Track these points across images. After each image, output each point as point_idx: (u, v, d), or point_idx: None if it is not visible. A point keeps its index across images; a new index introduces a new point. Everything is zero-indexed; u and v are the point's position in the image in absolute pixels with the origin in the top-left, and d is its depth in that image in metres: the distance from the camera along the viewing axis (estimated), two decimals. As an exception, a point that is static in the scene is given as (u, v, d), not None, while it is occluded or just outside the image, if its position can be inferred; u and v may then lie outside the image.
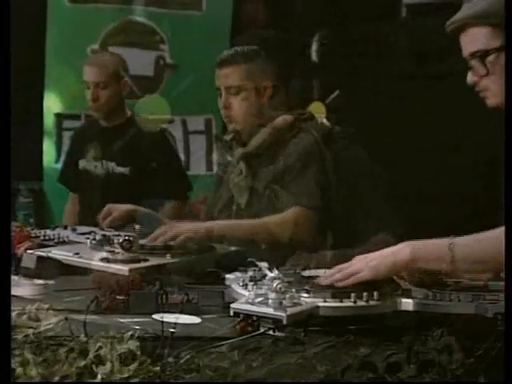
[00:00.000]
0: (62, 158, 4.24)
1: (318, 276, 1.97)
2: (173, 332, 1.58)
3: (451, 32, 2.14)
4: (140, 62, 4.57)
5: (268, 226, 2.74)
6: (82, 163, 3.86)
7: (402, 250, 1.90)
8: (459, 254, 1.84)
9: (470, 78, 2.11)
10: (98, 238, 2.47)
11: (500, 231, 1.86)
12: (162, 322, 1.61)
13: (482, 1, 2.10)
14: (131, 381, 1.46)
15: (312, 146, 2.86)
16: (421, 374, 1.43)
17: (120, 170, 3.75)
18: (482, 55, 2.06)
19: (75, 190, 3.99)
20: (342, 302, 1.76)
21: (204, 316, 1.84)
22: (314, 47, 4.26)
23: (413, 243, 1.93)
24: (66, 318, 1.69)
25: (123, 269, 2.18)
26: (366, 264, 1.90)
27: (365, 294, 1.77)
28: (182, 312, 1.74)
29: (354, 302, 1.76)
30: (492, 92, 2.10)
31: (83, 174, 3.86)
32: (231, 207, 2.98)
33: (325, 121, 3.09)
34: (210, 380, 1.42)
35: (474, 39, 2.08)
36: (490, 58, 2.06)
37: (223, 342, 1.59)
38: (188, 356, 1.51)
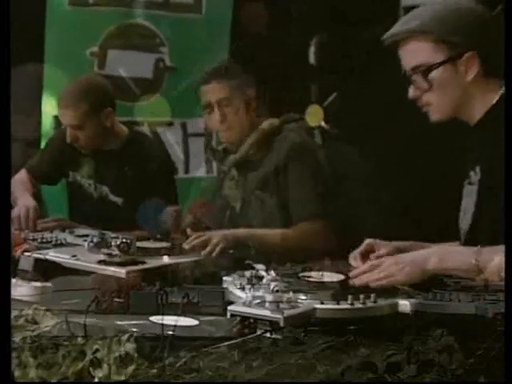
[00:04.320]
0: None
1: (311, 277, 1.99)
2: (172, 335, 1.58)
3: (389, 46, 2.11)
4: (139, 64, 4.57)
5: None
6: (73, 175, 3.57)
7: (432, 258, 1.91)
8: (485, 264, 1.84)
9: (412, 92, 2.09)
10: (95, 240, 2.47)
11: None
12: (163, 324, 1.61)
13: (422, 15, 2.07)
14: (131, 381, 1.46)
15: (301, 144, 2.89)
16: (421, 374, 1.43)
17: (113, 198, 3.45)
18: (424, 70, 2.04)
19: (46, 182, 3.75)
20: (338, 303, 1.76)
21: (202, 318, 1.84)
22: (312, 50, 4.26)
23: (439, 251, 1.96)
24: (67, 320, 1.68)
25: (120, 271, 2.18)
26: (399, 269, 1.90)
27: (361, 296, 1.77)
28: (182, 313, 1.74)
29: (351, 304, 1.76)
30: (435, 107, 2.08)
31: (75, 188, 3.57)
32: (225, 212, 3.00)
33: (323, 123, 3.09)
34: (210, 380, 1.42)
35: (416, 54, 2.06)
36: (433, 73, 2.04)
37: (220, 344, 1.59)
38: (185, 359, 1.50)
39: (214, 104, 2.95)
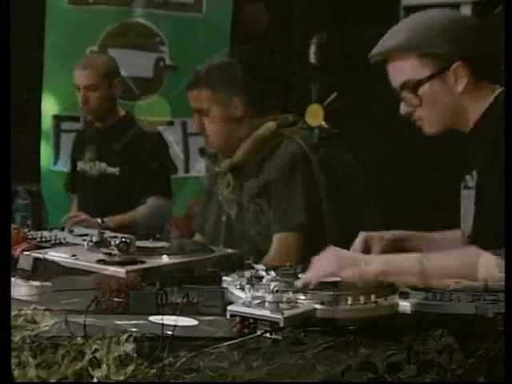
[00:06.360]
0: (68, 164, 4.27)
1: None
2: (171, 335, 1.58)
3: (375, 63, 2.10)
4: (139, 63, 4.57)
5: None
6: (79, 165, 3.94)
7: (374, 262, 1.89)
8: (429, 268, 1.84)
9: (404, 108, 2.08)
10: (95, 239, 2.47)
11: (472, 248, 1.88)
12: (162, 325, 1.60)
13: (404, 31, 2.05)
14: (130, 381, 1.45)
15: (297, 156, 2.83)
16: (421, 374, 1.42)
17: (110, 170, 3.81)
18: (413, 86, 2.02)
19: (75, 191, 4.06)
20: (338, 304, 1.76)
21: (201, 318, 1.83)
22: (313, 49, 4.26)
23: (383, 256, 1.96)
24: (66, 320, 1.68)
25: (120, 271, 2.18)
26: (337, 266, 1.87)
27: (362, 297, 1.77)
28: (181, 313, 1.73)
29: (352, 304, 1.75)
30: (427, 121, 2.07)
31: (80, 176, 3.94)
32: (221, 219, 2.98)
33: (323, 123, 3.08)
34: (210, 380, 1.41)
35: (401, 71, 2.04)
36: (423, 88, 2.02)
37: (219, 345, 1.58)
38: (185, 359, 1.50)
39: (198, 110, 2.91)
